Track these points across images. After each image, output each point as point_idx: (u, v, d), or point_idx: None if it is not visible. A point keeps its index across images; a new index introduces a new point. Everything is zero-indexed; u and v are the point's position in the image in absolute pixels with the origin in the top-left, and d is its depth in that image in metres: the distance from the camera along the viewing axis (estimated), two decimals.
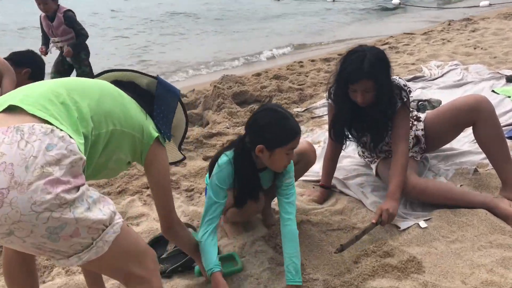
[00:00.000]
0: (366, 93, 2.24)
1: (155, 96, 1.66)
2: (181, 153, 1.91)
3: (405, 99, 2.36)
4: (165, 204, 1.69)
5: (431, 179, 2.47)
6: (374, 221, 2.17)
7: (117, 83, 1.60)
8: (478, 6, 9.44)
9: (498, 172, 2.45)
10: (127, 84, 1.66)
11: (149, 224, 2.48)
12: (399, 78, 2.43)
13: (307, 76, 5.18)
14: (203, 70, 7.19)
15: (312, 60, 5.97)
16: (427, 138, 2.68)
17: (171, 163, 1.87)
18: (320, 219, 2.41)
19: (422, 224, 2.26)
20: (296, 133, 1.90)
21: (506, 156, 2.42)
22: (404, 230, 2.26)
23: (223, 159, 1.99)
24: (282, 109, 1.96)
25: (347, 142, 2.61)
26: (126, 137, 1.45)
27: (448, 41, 6.23)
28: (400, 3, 12.74)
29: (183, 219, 2.49)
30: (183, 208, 2.60)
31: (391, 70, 2.29)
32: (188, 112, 4.26)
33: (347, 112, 2.40)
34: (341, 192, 2.72)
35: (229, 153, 2.00)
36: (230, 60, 7.71)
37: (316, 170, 3.00)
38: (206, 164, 3.14)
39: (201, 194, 2.81)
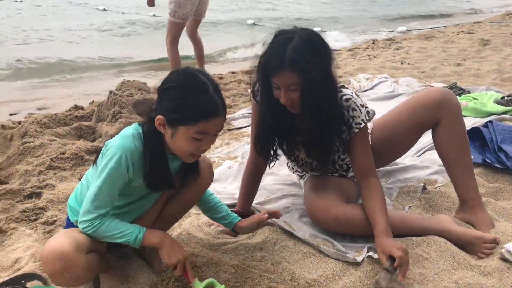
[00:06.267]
0: (291, 91, 1.61)
1: None
2: None
3: (363, 124, 1.77)
4: None
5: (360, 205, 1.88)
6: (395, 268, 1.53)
7: None
8: (396, 31, 9.59)
9: (457, 187, 1.93)
10: None
11: None
12: (356, 94, 1.79)
13: (226, 86, 4.56)
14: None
15: (233, 72, 5.37)
16: (374, 154, 2.02)
17: None
18: (231, 257, 1.73)
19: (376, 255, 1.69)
20: (212, 112, 1.38)
21: (469, 169, 1.91)
22: (344, 270, 1.67)
23: (128, 132, 1.45)
24: (206, 77, 1.43)
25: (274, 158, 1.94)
26: None
27: (374, 57, 5.99)
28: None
29: (30, 266, 1.68)
30: (34, 250, 1.78)
31: (332, 63, 1.65)
32: (77, 123, 3.43)
33: (272, 116, 1.77)
34: None
35: (134, 127, 1.48)
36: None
37: (230, 191, 2.34)
38: None
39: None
